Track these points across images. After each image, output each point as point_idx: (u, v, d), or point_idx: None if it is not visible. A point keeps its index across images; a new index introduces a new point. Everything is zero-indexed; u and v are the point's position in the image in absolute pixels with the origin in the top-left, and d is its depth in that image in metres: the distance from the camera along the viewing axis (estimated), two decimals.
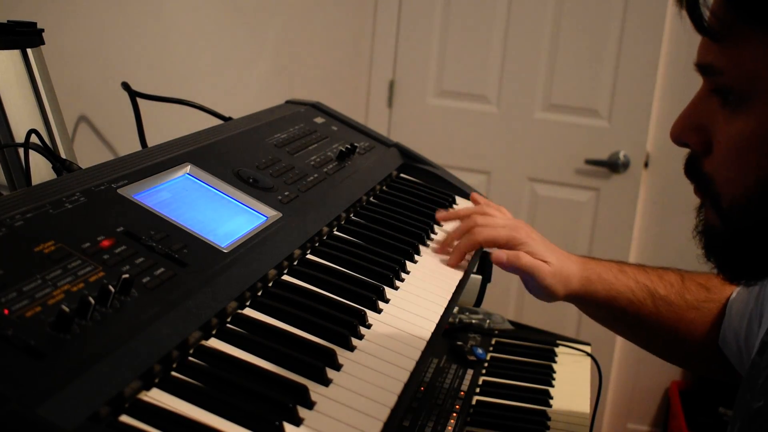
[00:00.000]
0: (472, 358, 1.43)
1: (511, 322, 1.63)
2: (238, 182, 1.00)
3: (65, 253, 0.70)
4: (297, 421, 0.67)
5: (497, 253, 1.10)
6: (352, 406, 0.72)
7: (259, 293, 0.86)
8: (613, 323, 1.19)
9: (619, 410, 2.85)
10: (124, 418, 0.62)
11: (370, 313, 0.89)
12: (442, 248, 1.13)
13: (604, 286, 1.11)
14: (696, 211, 0.77)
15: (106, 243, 0.75)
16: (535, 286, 1.11)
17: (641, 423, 2.85)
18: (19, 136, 1.05)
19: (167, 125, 1.42)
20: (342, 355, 0.79)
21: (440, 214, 1.21)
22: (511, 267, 1.10)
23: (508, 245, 1.11)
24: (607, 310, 1.13)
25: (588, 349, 1.54)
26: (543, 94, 2.71)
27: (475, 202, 1.31)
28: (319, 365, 0.75)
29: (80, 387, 0.58)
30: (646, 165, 2.69)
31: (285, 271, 0.93)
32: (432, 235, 1.19)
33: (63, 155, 1.11)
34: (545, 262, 1.10)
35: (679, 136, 0.73)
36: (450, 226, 1.21)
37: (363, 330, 0.85)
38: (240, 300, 0.82)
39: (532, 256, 1.10)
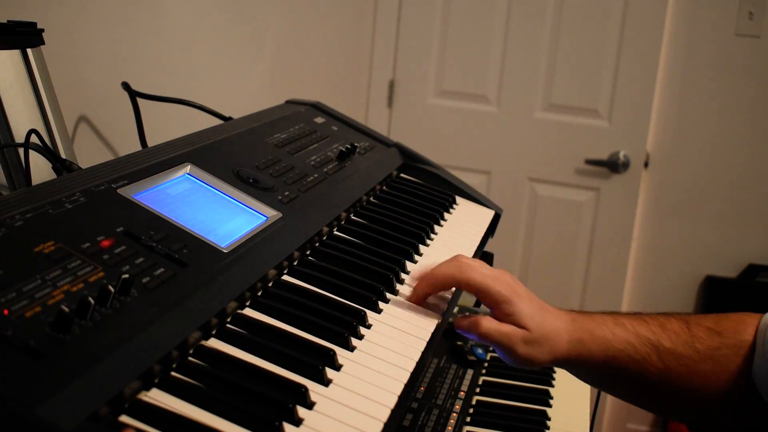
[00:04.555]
0: (472, 358, 1.43)
1: None
2: (238, 182, 1.00)
3: (65, 253, 0.70)
4: (296, 422, 0.67)
5: (460, 321, 0.96)
6: (352, 407, 0.72)
7: (259, 293, 0.86)
8: (614, 386, 1.02)
9: (619, 410, 2.85)
10: (124, 418, 0.62)
11: (370, 313, 0.89)
12: (422, 277, 0.98)
13: (600, 345, 0.95)
14: None
15: (105, 243, 0.75)
16: (507, 357, 0.95)
17: (641, 423, 2.85)
18: (19, 136, 1.05)
19: (167, 125, 1.42)
20: (342, 355, 0.79)
21: (414, 272, 1.02)
22: (480, 337, 0.95)
23: (492, 298, 0.94)
24: (606, 372, 0.97)
25: None
26: (543, 94, 2.71)
27: None
28: (319, 365, 0.75)
29: (80, 387, 0.58)
30: (646, 165, 2.69)
31: (285, 271, 0.93)
32: (432, 235, 1.19)
33: (63, 155, 1.11)
34: (523, 328, 0.93)
35: None
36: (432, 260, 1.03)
37: (363, 330, 0.85)
38: (240, 300, 0.82)
39: (513, 318, 0.93)
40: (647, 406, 1.05)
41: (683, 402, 0.98)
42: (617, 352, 0.95)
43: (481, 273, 0.95)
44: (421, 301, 0.97)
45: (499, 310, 0.94)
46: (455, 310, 1.57)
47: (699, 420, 1.03)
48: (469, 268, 0.95)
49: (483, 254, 1.19)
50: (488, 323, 0.94)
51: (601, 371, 0.98)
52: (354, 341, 0.82)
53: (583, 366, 0.98)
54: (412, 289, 0.98)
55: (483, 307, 1.38)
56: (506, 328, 0.93)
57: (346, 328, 0.83)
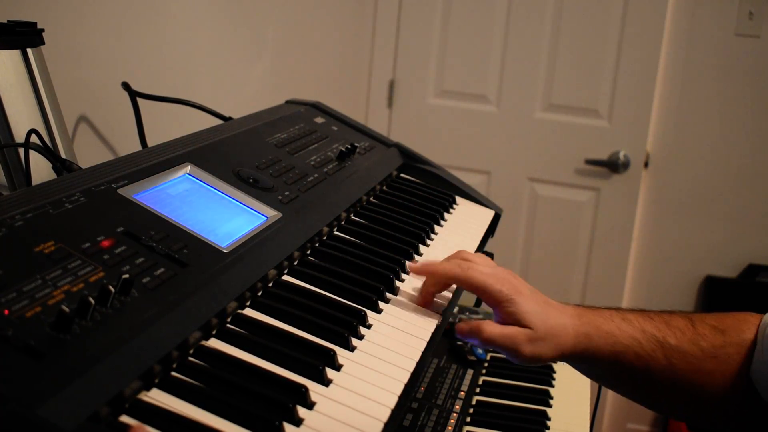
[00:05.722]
0: (472, 358, 1.43)
1: None
2: (238, 182, 1.00)
3: (65, 254, 0.70)
4: (296, 422, 0.67)
5: (461, 327, 0.94)
6: (352, 407, 0.72)
7: (259, 293, 0.86)
8: (616, 382, 1.01)
9: (619, 410, 2.85)
10: (124, 419, 0.62)
11: (370, 313, 0.89)
12: (426, 273, 0.99)
13: (607, 340, 0.94)
14: None
15: (106, 243, 0.75)
16: (513, 358, 0.93)
17: (641, 423, 2.85)
18: (19, 136, 1.05)
19: (167, 125, 1.42)
20: (342, 355, 0.79)
21: (413, 265, 1.02)
22: (483, 343, 0.92)
23: (494, 298, 0.93)
24: (610, 367, 0.96)
25: None
26: (543, 94, 2.71)
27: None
28: (319, 365, 0.75)
29: (80, 387, 0.58)
30: (646, 165, 2.69)
31: (285, 271, 0.93)
32: (432, 235, 1.19)
33: (63, 155, 1.11)
34: (527, 327, 0.91)
35: None
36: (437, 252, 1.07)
37: (363, 330, 0.85)
38: (240, 300, 0.82)
39: (516, 318, 0.92)
40: (647, 403, 1.03)
41: (685, 400, 0.97)
42: (624, 347, 0.94)
43: (482, 272, 0.94)
44: (429, 301, 0.97)
45: (501, 309, 0.93)
46: (455, 310, 1.57)
47: (698, 418, 1.02)
48: (470, 268, 0.94)
49: (483, 254, 1.19)
50: (491, 328, 0.92)
51: (606, 367, 0.96)
52: (354, 341, 0.82)
53: (588, 361, 0.96)
54: (418, 291, 0.98)
55: (484, 306, 1.39)
56: (509, 330, 0.92)
57: (347, 328, 0.83)
